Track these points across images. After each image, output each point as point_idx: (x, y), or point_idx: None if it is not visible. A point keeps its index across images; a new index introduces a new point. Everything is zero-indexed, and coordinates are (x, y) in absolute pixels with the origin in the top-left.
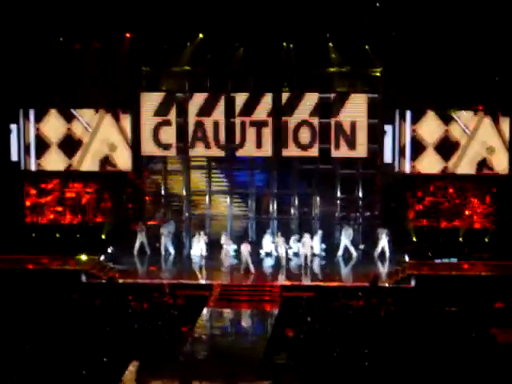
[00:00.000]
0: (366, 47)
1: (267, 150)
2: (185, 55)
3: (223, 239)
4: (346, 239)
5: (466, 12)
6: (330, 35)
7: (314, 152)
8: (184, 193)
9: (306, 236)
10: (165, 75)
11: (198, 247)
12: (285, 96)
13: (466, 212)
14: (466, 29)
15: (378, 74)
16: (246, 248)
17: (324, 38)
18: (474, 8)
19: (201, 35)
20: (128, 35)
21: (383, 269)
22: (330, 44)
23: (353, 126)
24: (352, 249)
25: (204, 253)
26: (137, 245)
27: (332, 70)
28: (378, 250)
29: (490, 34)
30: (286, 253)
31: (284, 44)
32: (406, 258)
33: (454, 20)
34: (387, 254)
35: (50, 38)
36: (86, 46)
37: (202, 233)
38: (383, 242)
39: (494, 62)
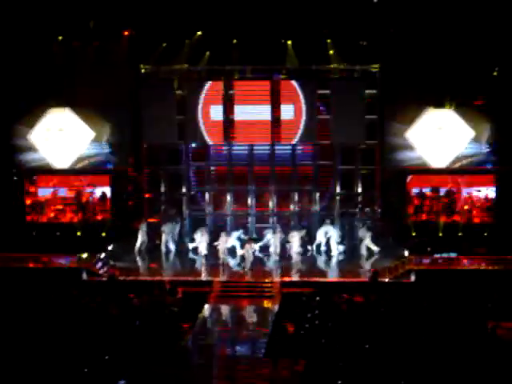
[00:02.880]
0: (364, 43)
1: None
2: (183, 52)
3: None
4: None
5: (464, 8)
6: (327, 31)
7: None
8: (184, 190)
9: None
10: (164, 73)
11: (201, 243)
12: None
13: (465, 207)
14: (464, 24)
15: (377, 70)
16: (249, 247)
17: (322, 35)
18: (471, 4)
19: (199, 32)
20: (126, 33)
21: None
22: (329, 40)
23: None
24: (372, 245)
25: (205, 250)
26: (138, 242)
27: (330, 66)
28: (363, 250)
29: (488, 29)
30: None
31: (282, 40)
32: (406, 253)
33: (451, 16)
34: (374, 248)
35: (48, 37)
36: (85, 44)
37: (203, 229)
38: (366, 240)
39: (492, 57)
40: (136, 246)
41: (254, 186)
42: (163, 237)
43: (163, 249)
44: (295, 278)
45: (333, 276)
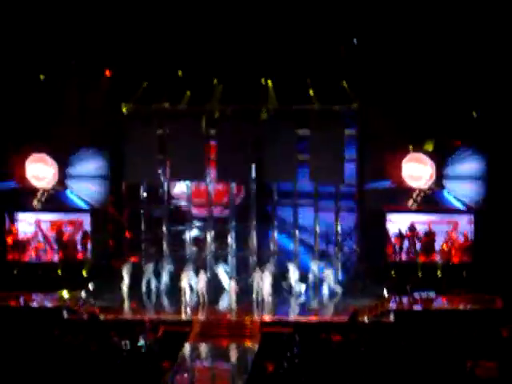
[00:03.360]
0: (344, 83)
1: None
2: (164, 92)
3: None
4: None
5: (444, 49)
6: (307, 71)
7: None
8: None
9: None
10: (145, 112)
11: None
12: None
13: (444, 246)
14: (444, 65)
15: (356, 110)
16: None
17: (302, 75)
18: (451, 45)
19: (180, 72)
20: (107, 72)
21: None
22: (308, 80)
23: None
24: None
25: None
26: (125, 282)
27: (310, 105)
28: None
29: (468, 70)
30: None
31: (263, 80)
32: (385, 293)
33: (431, 56)
34: (339, 289)
35: (29, 75)
36: (66, 83)
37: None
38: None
39: (472, 98)
40: (124, 287)
41: (235, 223)
42: (144, 276)
43: (143, 288)
44: (275, 317)
45: (312, 316)
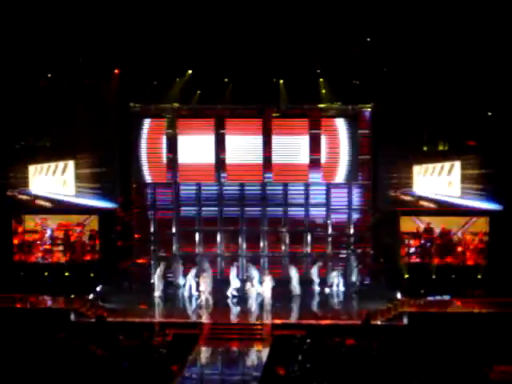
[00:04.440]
0: (357, 82)
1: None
2: (174, 91)
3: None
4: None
5: (458, 48)
6: (320, 71)
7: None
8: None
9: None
10: (154, 111)
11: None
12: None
13: (459, 248)
14: (458, 64)
15: (369, 110)
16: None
17: (314, 74)
18: (465, 44)
19: (190, 71)
20: (116, 71)
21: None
22: (321, 79)
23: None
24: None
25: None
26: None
27: (322, 105)
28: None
29: (482, 69)
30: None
31: (274, 79)
32: (398, 296)
33: (445, 55)
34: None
35: (37, 74)
36: (74, 82)
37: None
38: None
39: (487, 97)
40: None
41: (245, 227)
42: (157, 275)
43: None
44: (286, 320)
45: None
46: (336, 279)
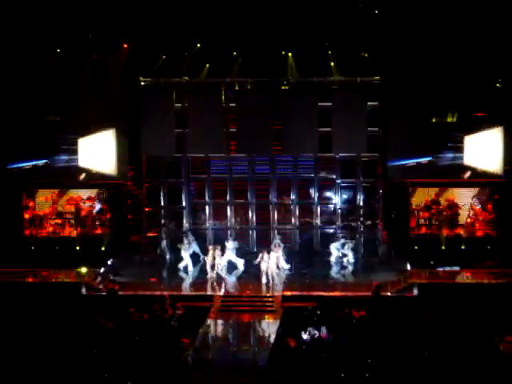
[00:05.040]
0: (365, 55)
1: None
2: (183, 65)
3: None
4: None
5: (466, 19)
6: (328, 44)
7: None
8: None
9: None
10: (163, 85)
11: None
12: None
13: (468, 220)
14: (466, 36)
15: (378, 82)
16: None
17: (323, 47)
18: (473, 16)
19: (198, 45)
20: (125, 46)
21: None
22: (329, 52)
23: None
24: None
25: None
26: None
27: (331, 78)
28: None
29: (491, 40)
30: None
31: (283, 52)
32: (408, 267)
33: (453, 26)
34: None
35: (47, 50)
36: (83, 56)
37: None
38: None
39: (494, 68)
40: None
41: (255, 199)
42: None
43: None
44: (297, 292)
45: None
46: (347, 251)
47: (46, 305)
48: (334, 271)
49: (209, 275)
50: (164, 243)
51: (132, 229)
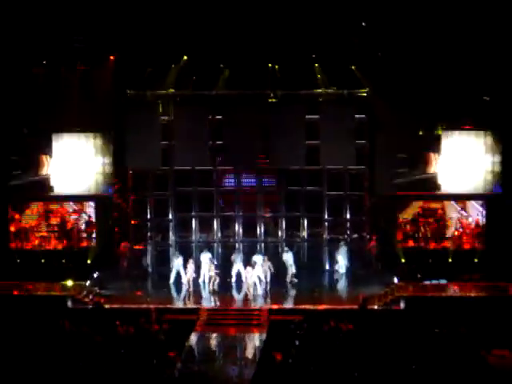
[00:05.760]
0: (353, 68)
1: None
2: (170, 77)
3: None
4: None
5: (453, 32)
6: (315, 56)
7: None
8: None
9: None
10: (149, 98)
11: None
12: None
13: (455, 233)
14: (453, 48)
15: (366, 95)
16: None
17: (310, 59)
18: (460, 28)
19: (185, 57)
20: (112, 57)
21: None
22: (316, 65)
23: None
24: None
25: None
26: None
27: (319, 90)
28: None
29: (478, 53)
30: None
31: (270, 65)
32: (395, 280)
33: (440, 39)
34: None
35: (32, 61)
36: (70, 68)
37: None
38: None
39: (482, 81)
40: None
41: (242, 213)
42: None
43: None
44: (284, 305)
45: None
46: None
47: (31, 318)
48: (323, 283)
49: (190, 288)
50: (149, 256)
51: (118, 242)
